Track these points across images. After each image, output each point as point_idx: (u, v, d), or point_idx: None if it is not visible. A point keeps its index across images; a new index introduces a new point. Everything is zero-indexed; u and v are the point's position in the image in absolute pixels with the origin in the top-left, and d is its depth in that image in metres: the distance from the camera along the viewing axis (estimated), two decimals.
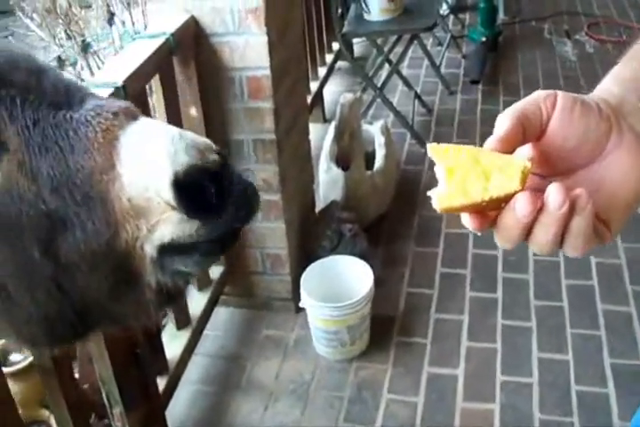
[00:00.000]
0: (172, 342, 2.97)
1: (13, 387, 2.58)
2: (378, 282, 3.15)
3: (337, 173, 3.81)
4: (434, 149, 0.79)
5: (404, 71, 5.35)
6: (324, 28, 5.02)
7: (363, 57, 5.77)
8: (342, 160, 3.90)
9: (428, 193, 0.79)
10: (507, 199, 0.76)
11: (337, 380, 3.05)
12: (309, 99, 4.47)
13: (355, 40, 5.42)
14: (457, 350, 3.15)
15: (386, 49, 5.00)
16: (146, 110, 2.60)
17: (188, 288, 1.08)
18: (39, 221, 0.93)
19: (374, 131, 4.14)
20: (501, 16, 6.39)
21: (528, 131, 0.79)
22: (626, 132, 0.79)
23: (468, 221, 0.79)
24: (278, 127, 3.02)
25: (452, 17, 6.36)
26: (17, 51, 1.02)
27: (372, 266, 3.18)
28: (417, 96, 4.98)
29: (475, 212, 0.79)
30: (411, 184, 4.24)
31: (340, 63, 5.34)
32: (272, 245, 3.28)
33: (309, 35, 4.63)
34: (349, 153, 3.91)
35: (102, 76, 2.41)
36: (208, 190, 0.89)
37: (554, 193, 0.73)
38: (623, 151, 0.78)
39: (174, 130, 0.91)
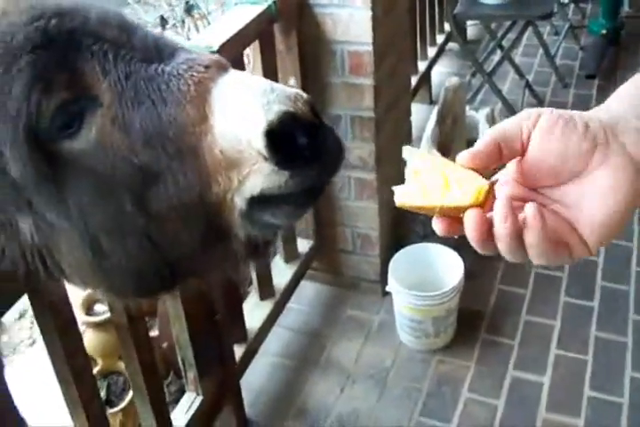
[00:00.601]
0: (254, 311, 2.92)
1: (94, 337, 2.59)
2: (469, 275, 3.03)
3: None
4: (408, 151, 0.86)
5: (517, 59, 5.14)
6: (436, 6, 4.82)
7: (475, 40, 5.57)
8: (443, 145, 3.78)
9: (393, 187, 0.85)
10: (459, 211, 0.82)
11: (417, 371, 2.96)
12: (416, 79, 4.33)
13: (468, 22, 5.24)
14: (545, 356, 3.02)
15: (499, 34, 4.81)
16: None
17: (275, 242, 1.09)
18: (132, 175, 0.94)
19: (479, 118, 4.00)
20: (625, 8, 6.04)
21: (506, 149, 0.83)
22: (613, 152, 0.80)
23: (436, 225, 0.85)
24: (378, 105, 2.93)
25: (572, 6, 6.07)
26: (108, 8, 1.02)
27: (463, 258, 3.06)
28: (528, 85, 4.78)
29: (428, 214, 0.86)
30: None
31: (450, 44, 5.16)
32: (363, 224, 3.19)
33: (420, 13, 4.46)
34: (451, 139, 3.79)
35: (199, 40, 2.36)
36: (300, 141, 0.89)
37: (498, 208, 0.79)
38: (606, 171, 0.79)
39: (266, 81, 0.91)
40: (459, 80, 3.82)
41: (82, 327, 2.24)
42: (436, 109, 3.84)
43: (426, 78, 4.69)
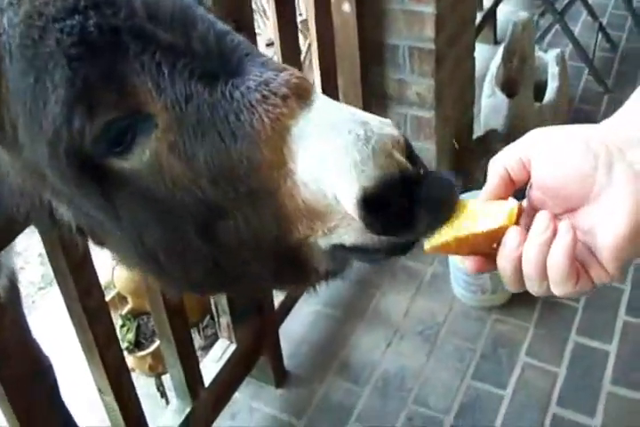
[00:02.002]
0: None
1: (126, 274, 2.36)
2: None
3: (501, 99, 3.39)
4: None
5: None
6: None
7: None
8: (509, 86, 3.47)
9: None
10: (494, 236, 0.80)
11: (471, 329, 2.70)
12: (480, 15, 4.01)
13: None
14: (612, 322, 2.73)
15: None
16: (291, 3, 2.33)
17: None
18: (195, 207, 0.86)
19: (548, 59, 3.66)
20: None
21: (515, 178, 0.83)
22: (617, 171, 0.77)
23: (466, 264, 0.85)
24: (439, 36, 2.69)
25: None
26: None
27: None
28: (601, 28, 4.40)
29: (463, 251, 0.84)
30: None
31: None
32: None
33: None
34: (517, 79, 3.48)
35: None
36: (398, 205, 0.79)
37: (540, 217, 0.78)
38: (612, 192, 0.77)
39: (356, 123, 0.80)
40: (528, 15, 3.48)
41: (113, 263, 2.02)
42: (502, 47, 3.55)
43: (491, 16, 4.36)
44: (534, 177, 0.82)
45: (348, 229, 0.83)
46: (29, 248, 3.28)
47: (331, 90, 2.62)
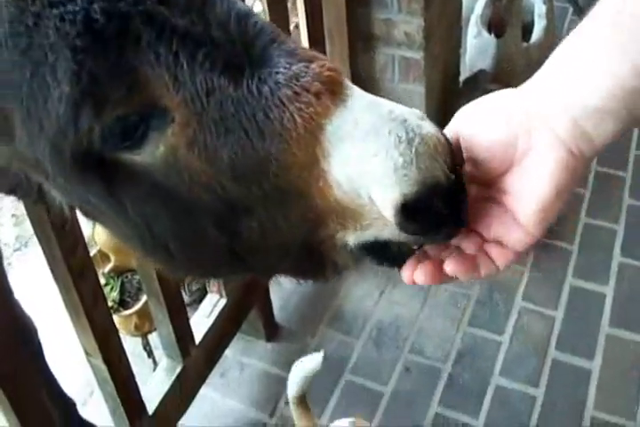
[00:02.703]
0: None
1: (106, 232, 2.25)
2: None
3: (488, 39, 3.26)
4: None
5: None
6: None
7: None
8: (496, 26, 3.34)
9: None
10: None
11: None
12: None
13: None
14: (607, 264, 2.68)
15: None
16: None
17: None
18: (214, 203, 0.81)
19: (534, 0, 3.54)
20: None
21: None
22: (539, 138, 0.78)
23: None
24: None
25: None
26: None
27: None
28: None
29: None
30: None
31: None
32: None
33: None
34: (505, 18, 3.34)
35: None
36: (435, 209, 0.77)
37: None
38: (533, 158, 0.78)
39: (396, 122, 0.75)
40: None
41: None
42: None
43: None
44: (465, 151, 0.81)
45: (382, 229, 0.79)
46: (2, 209, 3.16)
47: (316, 32, 2.48)
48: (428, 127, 0.76)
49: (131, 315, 2.21)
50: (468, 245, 0.83)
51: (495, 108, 0.82)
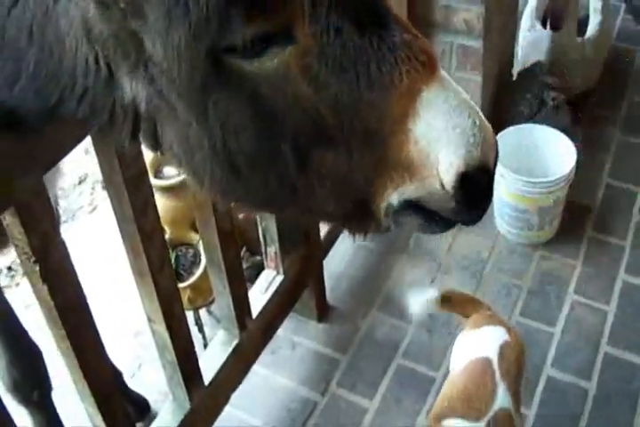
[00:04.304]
0: None
1: (163, 203, 2.24)
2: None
3: (542, 32, 3.22)
4: None
5: None
6: None
7: None
8: (554, 18, 3.31)
9: None
10: None
11: (517, 266, 2.61)
12: None
13: None
14: None
15: None
16: None
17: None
18: (303, 127, 0.89)
19: None
20: None
21: None
22: None
23: None
24: None
25: None
26: None
27: None
28: None
29: None
30: (621, 63, 3.59)
31: None
32: None
33: None
34: (562, 11, 3.31)
35: None
36: (480, 188, 0.93)
37: None
38: None
39: (474, 110, 0.90)
40: None
41: None
42: None
43: None
44: None
45: (431, 191, 0.91)
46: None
47: None
48: (489, 124, 0.93)
49: (185, 288, 2.19)
50: None
51: None
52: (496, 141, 0.94)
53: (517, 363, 1.79)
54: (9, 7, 0.86)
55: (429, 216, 0.96)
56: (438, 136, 0.88)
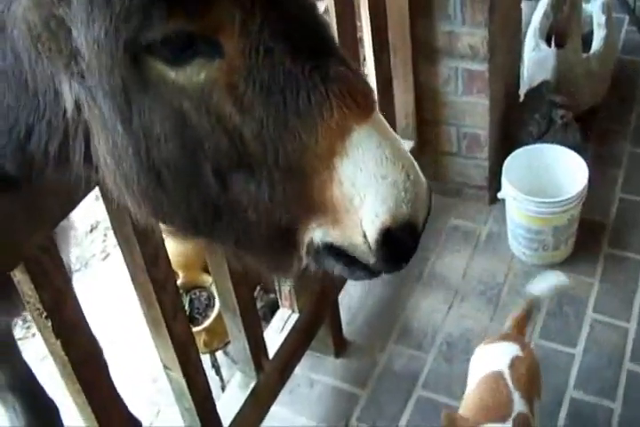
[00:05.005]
0: None
1: (175, 246, 2.25)
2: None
3: (547, 51, 3.23)
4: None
5: None
6: None
7: None
8: (558, 36, 3.31)
9: None
10: None
11: None
12: None
13: None
14: None
15: None
16: None
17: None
18: (225, 150, 0.85)
19: (593, 9, 3.49)
20: None
21: None
22: None
23: None
24: None
25: None
26: None
27: None
28: None
29: None
30: (628, 76, 3.58)
31: None
32: (471, 122, 2.77)
33: None
34: (566, 28, 3.31)
35: None
36: (405, 245, 0.89)
37: None
38: None
39: (408, 161, 0.87)
40: None
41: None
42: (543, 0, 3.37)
43: None
44: None
45: (351, 237, 0.87)
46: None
47: (380, 45, 2.48)
48: (424, 177, 0.89)
49: (200, 331, 2.21)
50: None
51: None
52: (429, 202, 0.90)
53: (528, 374, 1.85)
54: None
55: (351, 262, 0.92)
56: (366, 182, 0.84)
